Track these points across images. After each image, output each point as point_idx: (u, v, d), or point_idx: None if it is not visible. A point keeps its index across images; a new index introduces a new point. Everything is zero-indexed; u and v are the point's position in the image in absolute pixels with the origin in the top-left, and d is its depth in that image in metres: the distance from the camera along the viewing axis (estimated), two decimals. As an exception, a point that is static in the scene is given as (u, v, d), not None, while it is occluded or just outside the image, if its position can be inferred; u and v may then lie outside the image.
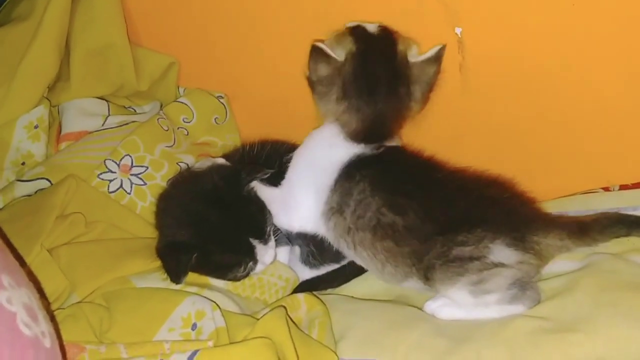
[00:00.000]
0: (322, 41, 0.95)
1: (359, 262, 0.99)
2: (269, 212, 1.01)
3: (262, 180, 1.03)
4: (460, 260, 0.87)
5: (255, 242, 0.97)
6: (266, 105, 1.23)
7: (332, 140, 0.97)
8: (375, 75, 0.93)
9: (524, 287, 0.89)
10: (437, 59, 0.95)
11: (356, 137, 0.96)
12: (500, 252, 0.87)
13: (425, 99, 0.97)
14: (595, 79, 1.02)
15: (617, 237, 0.92)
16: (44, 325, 0.67)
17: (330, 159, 0.96)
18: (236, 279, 0.99)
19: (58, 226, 1.01)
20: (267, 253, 0.99)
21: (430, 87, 0.96)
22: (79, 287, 0.95)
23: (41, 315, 0.68)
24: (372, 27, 0.97)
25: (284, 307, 0.91)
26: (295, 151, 1.02)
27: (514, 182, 0.96)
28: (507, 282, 0.88)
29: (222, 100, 1.27)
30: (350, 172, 0.94)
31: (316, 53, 0.93)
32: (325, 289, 1.06)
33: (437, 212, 0.90)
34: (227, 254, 0.96)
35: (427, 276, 0.90)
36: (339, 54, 0.94)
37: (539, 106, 1.07)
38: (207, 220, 0.95)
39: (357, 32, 0.96)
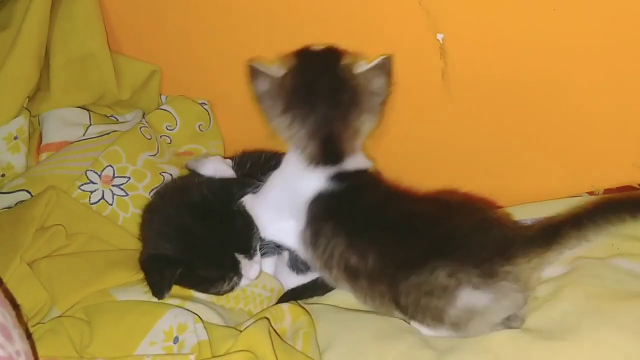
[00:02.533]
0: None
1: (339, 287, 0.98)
2: (256, 226, 0.99)
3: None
4: (430, 310, 0.84)
5: (240, 257, 0.96)
6: (250, 112, 1.22)
7: (300, 169, 0.94)
8: (314, 83, 0.92)
9: (508, 323, 0.87)
10: (383, 67, 0.92)
11: (313, 160, 0.93)
12: (470, 296, 0.81)
13: (380, 110, 0.95)
14: (579, 83, 1.01)
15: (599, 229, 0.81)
16: (19, 344, 0.65)
17: (301, 191, 0.94)
18: (219, 293, 0.98)
19: (38, 239, 1.00)
20: (252, 268, 0.98)
21: (382, 98, 0.94)
22: (60, 300, 0.93)
23: (16, 334, 0.66)
24: (317, 47, 0.97)
25: (268, 319, 0.90)
26: (274, 172, 1.00)
27: (480, 199, 0.94)
28: (488, 326, 0.85)
29: (205, 106, 1.26)
30: (317, 212, 0.92)
31: (252, 71, 0.93)
32: (311, 297, 1.05)
33: (398, 254, 0.86)
34: (212, 268, 0.95)
35: (406, 316, 0.89)
36: (278, 71, 0.94)
37: (522, 111, 1.06)
38: (193, 233, 0.94)
39: (299, 51, 0.96)
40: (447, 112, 1.06)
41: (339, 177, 0.93)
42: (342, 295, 1.04)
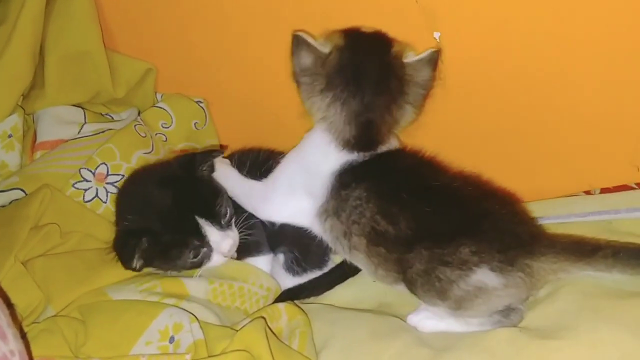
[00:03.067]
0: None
1: (352, 261, 0.96)
2: (226, 197, 0.99)
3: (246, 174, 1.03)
4: (441, 281, 0.84)
5: (205, 224, 0.95)
6: (246, 110, 1.22)
7: (324, 148, 0.93)
8: (362, 66, 0.89)
9: (507, 314, 0.88)
10: (431, 60, 0.92)
11: (347, 145, 0.92)
12: (485, 276, 0.83)
13: (422, 103, 0.94)
14: (577, 83, 1.01)
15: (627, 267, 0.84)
16: (13, 344, 0.65)
17: (324, 167, 0.93)
18: (187, 265, 0.96)
19: (33, 237, 0.99)
20: (223, 241, 0.96)
21: (426, 91, 0.94)
22: (55, 300, 0.93)
23: (10, 333, 0.66)
24: (367, 29, 0.94)
25: (264, 318, 0.89)
26: (289, 153, 1.00)
27: (513, 194, 0.95)
28: (489, 309, 0.86)
29: (201, 104, 1.26)
30: (345, 180, 0.92)
31: (298, 42, 0.89)
32: (308, 297, 1.05)
33: (428, 223, 0.86)
34: (173, 233, 0.94)
35: (410, 289, 0.89)
36: (324, 46, 0.91)
37: (519, 110, 1.06)
38: (154, 202, 0.94)
39: (347, 30, 0.93)
40: (443, 110, 1.05)
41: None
42: (339, 295, 1.05)
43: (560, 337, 0.82)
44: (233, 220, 1.00)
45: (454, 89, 1.06)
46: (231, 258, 1.03)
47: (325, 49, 0.90)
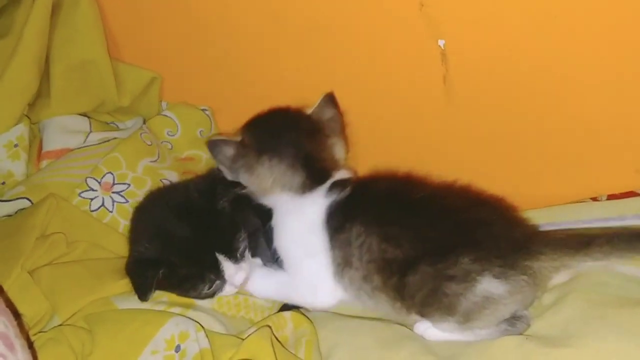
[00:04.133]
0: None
1: (377, 308, 0.94)
2: (244, 232, 0.98)
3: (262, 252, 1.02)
4: (448, 297, 0.84)
5: (222, 259, 0.94)
6: (248, 116, 1.22)
7: (295, 208, 0.95)
8: (276, 126, 0.98)
9: (514, 322, 0.88)
10: (327, 101, 1.00)
11: (306, 187, 0.95)
12: (489, 284, 0.83)
13: (343, 133, 1.01)
14: (583, 89, 1.01)
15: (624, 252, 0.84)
16: (21, 355, 0.65)
17: (310, 222, 0.94)
18: (200, 296, 0.96)
19: (39, 247, 0.99)
20: (236, 274, 0.96)
21: (339, 124, 1.01)
22: (61, 309, 0.93)
23: (18, 343, 0.66)
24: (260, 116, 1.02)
25: (269, 327, 0.89)
26: (276, 242, 0.99)
27: (502, 200, 0.94)
28: (497, 319, 0.87)
29: (207, 112, 1.26)
30: (337, 224, 0.92)
31: (212, 144, 0.98)
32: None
33: (426, 239, 0.87)
34: (190, 266, 0.93)
35: (420, 312, 0.88)
36: (235, 137, 0.98)
37: (524, 117, 1.06)
38: (174, 232, 0.93)
39: (247, 122, 1.01)
40: (449, 118, 1.06)
41: (336, 186, 0.95)
42: (344, 303, 1.04)
43: (566, 345, 0.82)
44: (248, 252, 0.99)
45: (459, 96, 1.06)
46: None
47: (237, 137, 0.98)
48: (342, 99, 1.03)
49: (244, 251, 0.98)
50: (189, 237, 0.93)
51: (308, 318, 0.97)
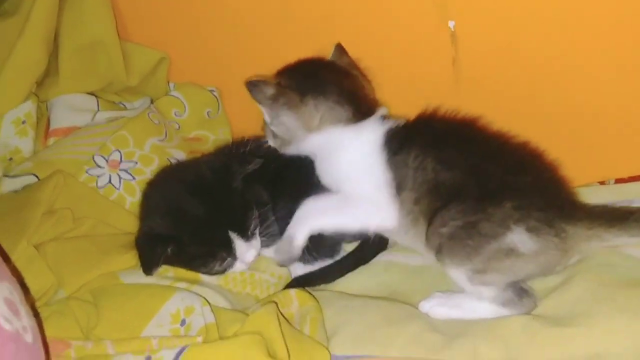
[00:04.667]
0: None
1: (413, 242, 0.95)
2: (255, 209, 0.97)
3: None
4: (479, 236, 0.84)
5: (234, 236, 0.94)
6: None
7: (350, 137, 0.96)
8: (312, 68, 1.00)
9: (521, 294, 0.87)
10: (341, 50, 1.04)
11: (354, 116, 0.96)
12: (520, 236, 0.83)
13: (364, 74, 1.04)
14: (592, 73, 1.01)
15: None
16: (26, 320, 0.65)
17: (367, 147, 0.95)
18: (211, 273, 0.95)
19: (45, 222, 0.99)
20: (248, 251, 0.96)
21: (357, 68, 1.03)
22: (66, 283, 0.93)
23: (23, 310, 0.66)
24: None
25: (275, 303, 0.89)
26: (328, 175, 0.98)
27: (555, 164, 0.94)
28: (511, 277, 0.86)
29: (214, 93, 1.26)
30: (395, 146, 0.94)
31: (251, 84, 0.97)
32: (319, 285, 1.04)
33: (478, 170, 0.88)
34: (202, 244, 0.93)
35: (440, 248, 0.87)
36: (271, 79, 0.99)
37: (533, 100, 1.05)
38: (186, 209, 0.93)
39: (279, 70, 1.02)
40: (456, 100, 1.04)
41: (388, 117, 0.98)
42: (350, 283, 1.04)
43: (575, 324, 0.82)
44: (258, 229, 0.99)
45: (467, 79, 1.06)
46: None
47: (273, 80, 0.99)
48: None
49: (255, 228, 0.97)
50: (201, 214, 0.93)
51: (313, 296, 0.97)
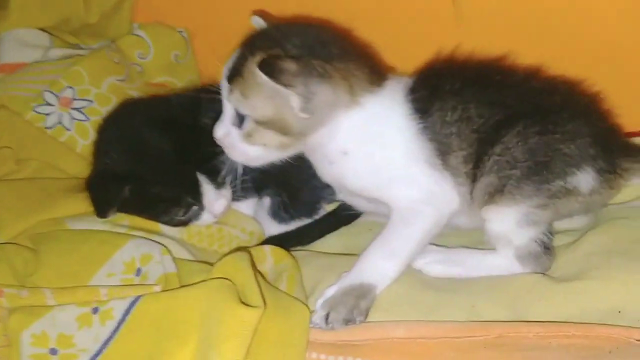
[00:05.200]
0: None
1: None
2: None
3: None
4: (548, 173, 0.76)
5: (203, 180, 0.84)
6: (230, 43, 1.10)
7: (374, 123, 0.80)
8: (308, 34, 0.80)
9: (546, 250, 0.79)
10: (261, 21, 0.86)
11: (374, 78, 0.81)
12: (587, 176, 0.77)
13: None
14: (601, 11, 0.95)
15: None
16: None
17: (396, 126, 0.81)
18: (173, 223, 0.85)
19: None
20: (217, 201, 0.85)
21: None
22: (3, 227, 0.82)
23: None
24: None
25: (248, 252, 0.77)
26: (359, 177, 0.82)
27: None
28: (557, 217, 0.81)
29: (183, 34, 1.14)
30: (422, 109, 0.81)
31: (266, 64, 0.74)
32: (294, 246, 0.94)
33: (531, 105, 0.80)
34: (166, 186, 0.82)
35: (501, 189, 0.77)
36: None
37: (537, 40, 0.99)
38: (148, 143, 0.83)
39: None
40: (457, 40, 0.97)
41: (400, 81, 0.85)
42: (329, 244, 0.94)
43: (590, 277, 0.74)
44: (229, 179, 0.88)
45: (468, 17, 0.99)
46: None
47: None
48: (344, 17, 0.95)
49: (226, 175, 0.87)
50: (165, 150, 0.83)
51: (290, 253, 0.86)
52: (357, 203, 0.91)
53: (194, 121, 0.85)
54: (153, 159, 0.82)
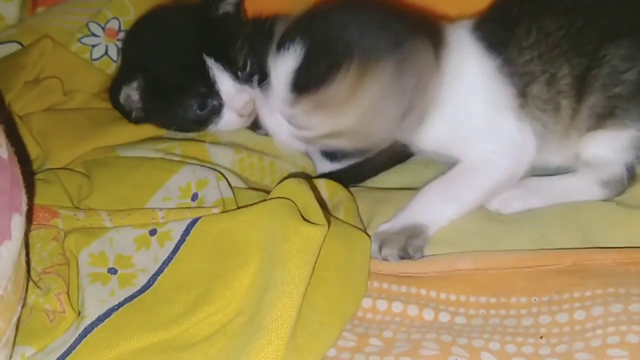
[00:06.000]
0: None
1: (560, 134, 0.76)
2: (248, 45, 0.83)
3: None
4: None
5: (215, 67, 0.81)
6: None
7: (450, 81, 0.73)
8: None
9: (631, 176, 0.74)
10: None
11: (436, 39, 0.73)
12: None
13: None
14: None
15: None
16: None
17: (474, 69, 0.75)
18: (192, 119, 0.82)
19: (30, 90, 0.87)
20: (237, 95, 0.82)
21: None
22: (54, 155, 0.81)
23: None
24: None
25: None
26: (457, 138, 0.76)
27: None
28: None
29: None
30: (495, 43, 0.74)
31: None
32: (347, 184, 0.90)
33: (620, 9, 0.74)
34: (171, 71, 0.80)
35: (612, 112, 0.72)
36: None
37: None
38: (158, 40, 0.82)
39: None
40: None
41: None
42: (383, 182, 0.90)
43: None
44: (256, 79, 0.82)
45: None
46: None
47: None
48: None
49: (250, 74, 0.83)
50: (172, 41, 0.81)
51: (344, 187, 0.82)
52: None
53: (209, 14, 0.84)
54: (159, 50, 0.81)
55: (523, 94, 0.74)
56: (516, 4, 0.76)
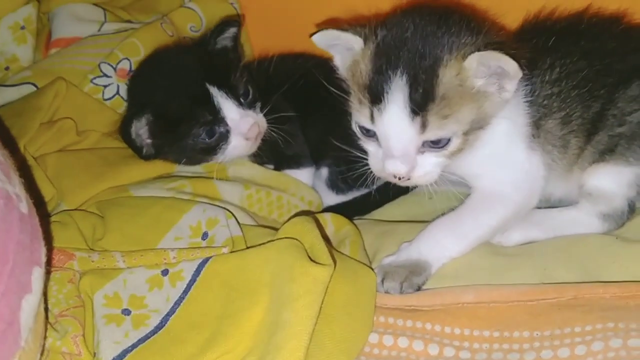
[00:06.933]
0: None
1: (562, 167, 0.77)
2: (247, 73, 0.89)
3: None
4: None
5: (218, 95, 0.84)
6: (280, 14, 1.09)
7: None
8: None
9: (631, 210, 0.76)
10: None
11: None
12: None
13: None
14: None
15: None
16: (21, 191, 0.52)
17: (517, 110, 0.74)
18: (201, 148, 0.85)
19: (45, 132, 0.89)
20: (242, 119, 0.84)
21: None
22: (69, 196, 0.82)
23: (16, 179, 0.53)
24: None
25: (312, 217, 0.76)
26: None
27: None
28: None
29: (234, 5, 1.13)
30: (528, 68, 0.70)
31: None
32: (352, 216, 0.92)
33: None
34: (176, 101, 0.83)
35: (613, 148, 0.73)
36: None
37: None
38: (162, 75, 0.86)
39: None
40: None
41: None
42: (388, 214, 0.92)
43: None
44: (258, 105, 0.89)
45: None
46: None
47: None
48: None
49: (253, 100, 0.88)
50: (175, 74, 0.85)
51: (350, 221, 0.84)
52: None
53: (206, 47, 0.89)
54: (164, 84, 0.85)
55: (537, 126, 0.75)
56: (543, 36, 0.76)
